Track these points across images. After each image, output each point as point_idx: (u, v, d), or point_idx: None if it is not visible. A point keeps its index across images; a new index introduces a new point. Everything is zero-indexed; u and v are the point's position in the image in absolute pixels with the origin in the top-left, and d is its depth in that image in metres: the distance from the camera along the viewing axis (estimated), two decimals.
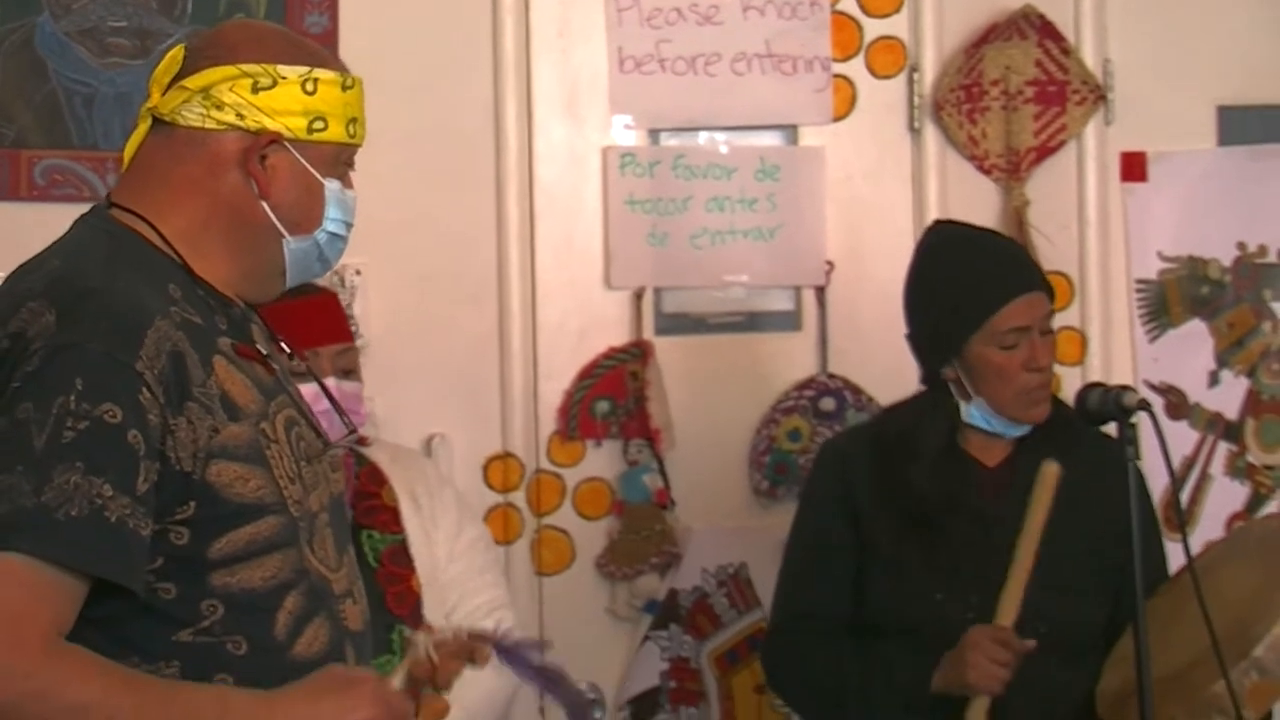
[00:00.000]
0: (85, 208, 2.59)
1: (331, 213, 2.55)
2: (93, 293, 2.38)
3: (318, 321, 3.58)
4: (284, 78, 2.49)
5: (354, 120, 2.55)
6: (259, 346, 2.54)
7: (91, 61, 4.04)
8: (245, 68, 2.48)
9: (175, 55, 2.52)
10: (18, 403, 2.31)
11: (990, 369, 3.43)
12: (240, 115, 2.48)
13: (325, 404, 3.52)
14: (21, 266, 2.50)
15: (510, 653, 2.60)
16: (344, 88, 2.54)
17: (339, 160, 2.56)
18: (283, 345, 2.64)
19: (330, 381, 3.51)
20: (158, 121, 2.52)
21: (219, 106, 2.48)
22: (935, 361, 3.49)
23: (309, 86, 2.50)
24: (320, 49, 2.59)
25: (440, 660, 2.51)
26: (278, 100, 2.49)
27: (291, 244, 2.54)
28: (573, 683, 2.68)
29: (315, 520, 2.50)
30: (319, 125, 2.51)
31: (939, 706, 3.33)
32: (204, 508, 2.38)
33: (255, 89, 2.48)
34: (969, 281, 3.45)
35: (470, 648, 2.54)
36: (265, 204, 2.50)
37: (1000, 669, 3.26)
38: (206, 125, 2.49)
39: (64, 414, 2.30)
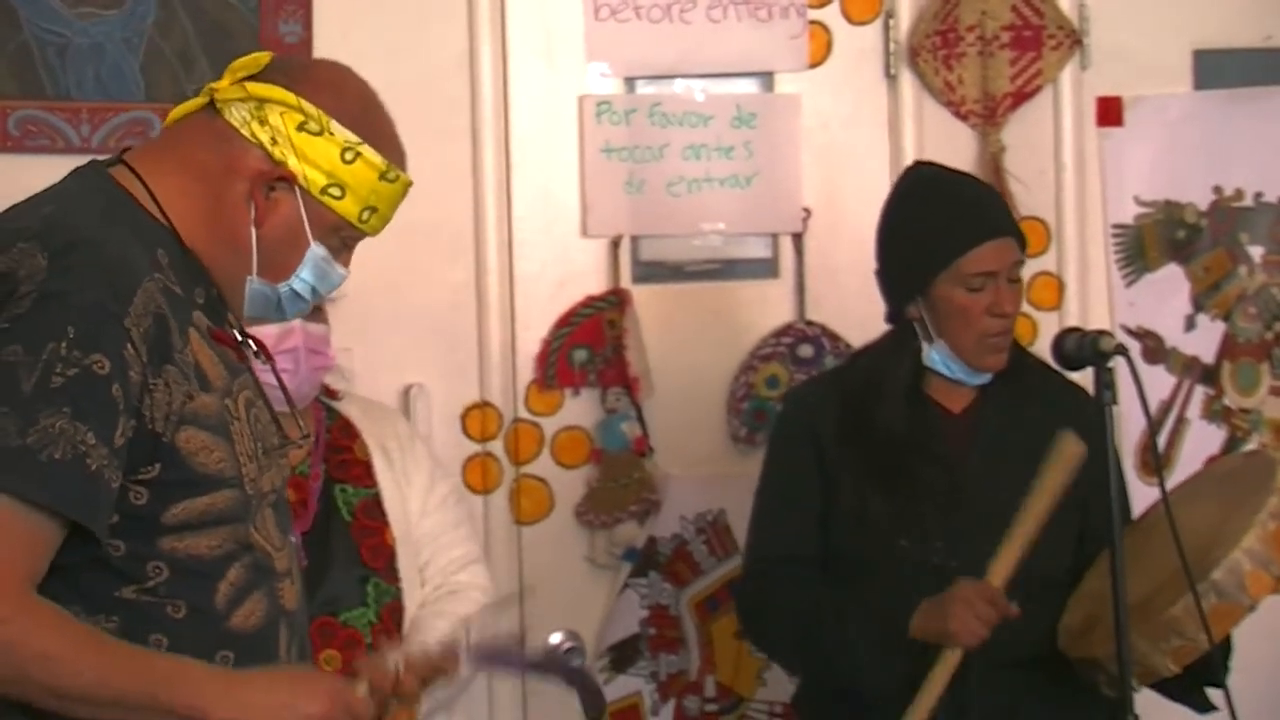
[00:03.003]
0: (59, 158, 2.62)
1: (304, 273, 2.56)
2: (87, 243, 2.40)
3: None
4: (332, 133, 2.51)
5: (373, 210, 2.55)
6: (235, 334, 2.57)
7: (64, 11, 4.02)
8: (305, 106, 2.50)
9: (260, 58, 2.55)
10: (6, 344, 2.33)
11: (954, 310, 3.44)
12: (274, 140, 2.50)
13: (308, 353, 3.54)
14: (11, 208, 2.51)
15: (489, 658, 2.68)
16: (383, 177, 2.55)
17: (336, 232, 2.56)
18: (249, 337, 2.66)
19: (297, 323, 3.52)
20: (212, 104, 2.54)
21: (262, 122, 2.50)
22: (901, 299, 3.50)
23: (348, 156, 2.51)
24: (393, 141, 2.58)
25: (408, 676, 2.57)
26: (313, 148, 2.50)
27: (255, 283, 2.56)
28: (564, 659, 2.75)
29: (263, 500, 2.53)
30: (335, 192, 2.52)
31: (913, 651, 3.35)
32: (168, 471, 2.41)
33: (301, 127, 2.50)
34: (943, 221, 3.46)
35: (440, 665, 2.62)
36: (253, 230, 2.52)
37: (981, 626, 3.28)
38: (243, 131, 2.51)
39: (54, 359, 2.32)
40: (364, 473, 3.63)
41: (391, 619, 3.57)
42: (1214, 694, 3.28)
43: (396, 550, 3.59)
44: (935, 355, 3.48)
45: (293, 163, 2.50)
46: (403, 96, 4.16)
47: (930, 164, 3.74)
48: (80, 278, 2.36)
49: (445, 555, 3.66)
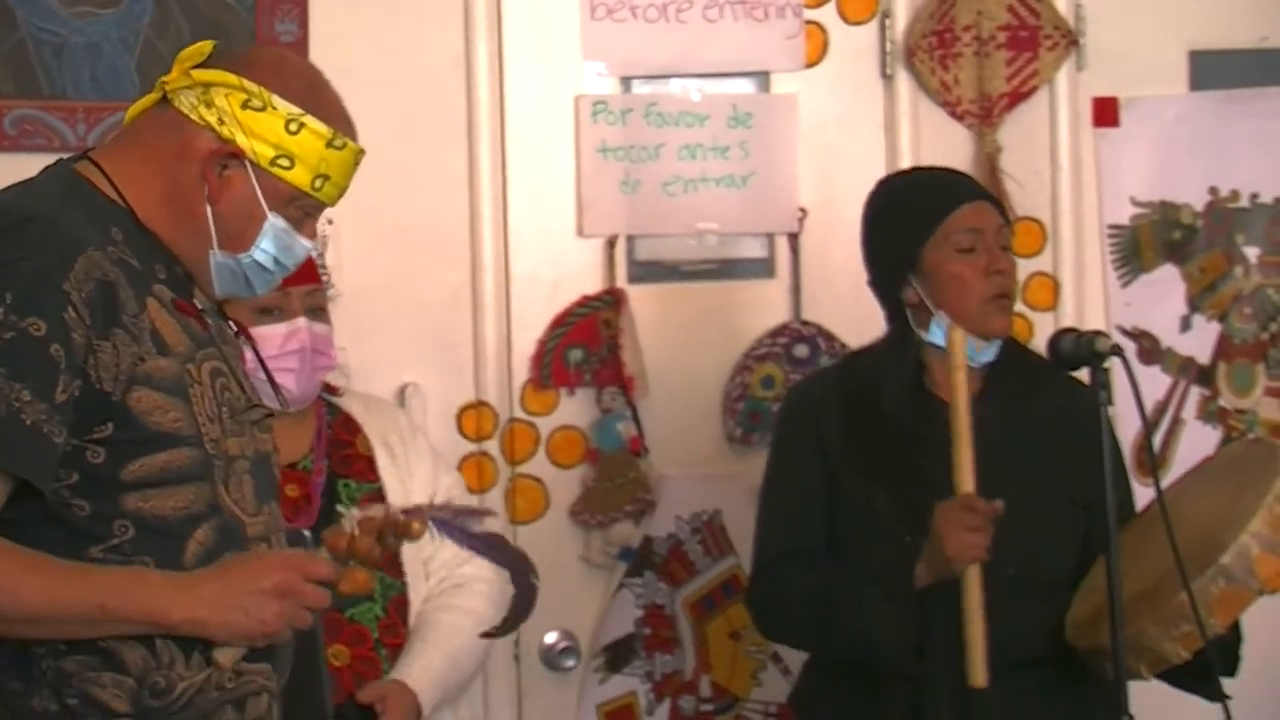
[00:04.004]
0: (55, 158, 2.75)
1: (264, 244, 2.67)
2: (34, 218, 2.52)
3: None
4: (274, 108, 2.62)
5: (325, 177, 2.65)
6: (197, 303, 2.68)
7: (60, 10, 4.02)
8: (247, 84, 2.62)
9: (203, 47, 2.67)
10: None
11: (949, 276, 3.45)
12: (221, 120, 2.61)
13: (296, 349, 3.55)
14: None
15: (447, 525, 2.70)
16: (329, 144, 2.64)
17: (293, 202, 2.66)
18: (226, 317, 2.78)
19: (302, 322, 3.53)
20: (164, 96, 2.66)
21: (208, 105, 2.62)
22: (895, 284, 3.50)
23: (293, 126, 2.62)
24: (337, 112, 2.68)
25: (362, 535, 2.60)
26: (258, 124, 2.61)
27: (218, 256, 2.66)
28: (512, 547, 2.80)
29: (233, 464, 2.63)
30: (284, 163, 2.62)
31: (925, 602, 3.35)
32: (121, 430, 2.52)
33: (245, 105, 2.61)
34: (921, 194, 3.52)
35: (399, 523, 2.64)
36: (209, 208, 2.63)
37: (975, 535, 3.27)
38: (192, 116, 2.62)
39: None
40: (367, 467, 3.64)
41: (397, 613, 3.58)
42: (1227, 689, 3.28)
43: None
44: (938, 329, 3.48)
45: (240, 139, 2.61)
46: (398, 96, 4.22)
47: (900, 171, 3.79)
48: (23, 248, 2.48)
49: (449, 548, 3.66)
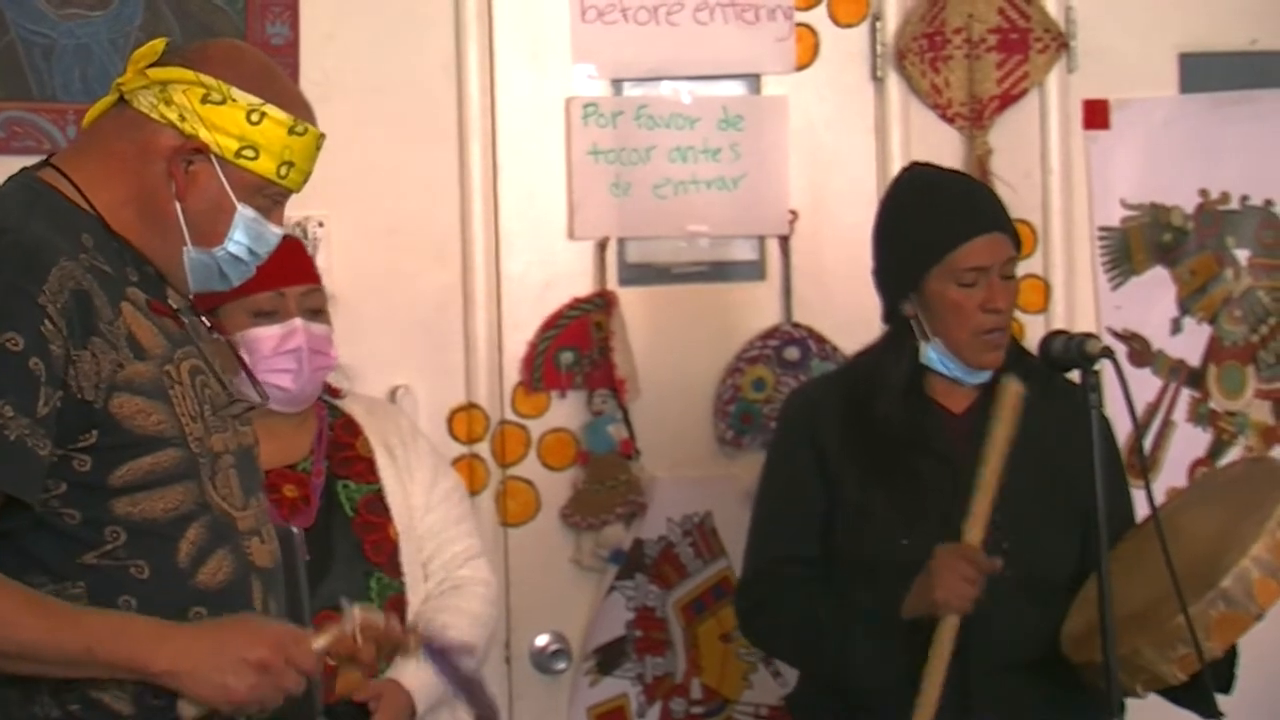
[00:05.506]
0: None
1: (236, 235, 2.68)
2: (3, 232, 2.53)
3: (283, 262, 3.58)
4: (234, 100, 2.63)
5: (290, 164, 2.67)
6: (171, 303, 2.69)
7: (50, 12, 4.02)
8: (204, 79, 2.63)
9: (156, 46, 2.67)
10: None
11: (947, 306, 3.44)
12: (182, 117, 2.62)
13: (293, 343, 3.55)
14: None
15: (438, 653, 2.72)
16: (291, 131, 2.66)
17: (260, 191, 2.67)
18: (202, 317, 2.80)
19: (299, 323, 3.52)
20: (121, 98, 2.67)
21: (168, 102, 2.62)
22: (896, 296, 3.50)
23: (254, 117, 2.63)
24: (296, 99, 2.70)
25: (363, 643, 2.62)
26: (219, 117, 2.62)
27: (192, 253, 2.67)
28: (489, 696, 2.79)
29: (218, 460, 2.64)
30: (249, 154, 2.64)
31: (913, 635, 3.34)
32: (105, 436, 2.53)
33: (204, 100, 2.62)
34: (935, 216, 3.47)
35: (398, 638, 2.67)
36: (178, 205, 2.64)
37: (967, 586, 3.27)
38: (152, 115, 2.63)
39: None
40: (367, 469, 3.64)
41: (395, 613, 3.56)
42: (1222, 699, 3.28)
43: (399, 545, 3.60)
44: (932, 353, 3.49)
45: (203, 134, 2.62)
46: (389, 98, 4.22)
47: (925, 164, 3.75)
48: None
49: (448, 550, 3.67)
